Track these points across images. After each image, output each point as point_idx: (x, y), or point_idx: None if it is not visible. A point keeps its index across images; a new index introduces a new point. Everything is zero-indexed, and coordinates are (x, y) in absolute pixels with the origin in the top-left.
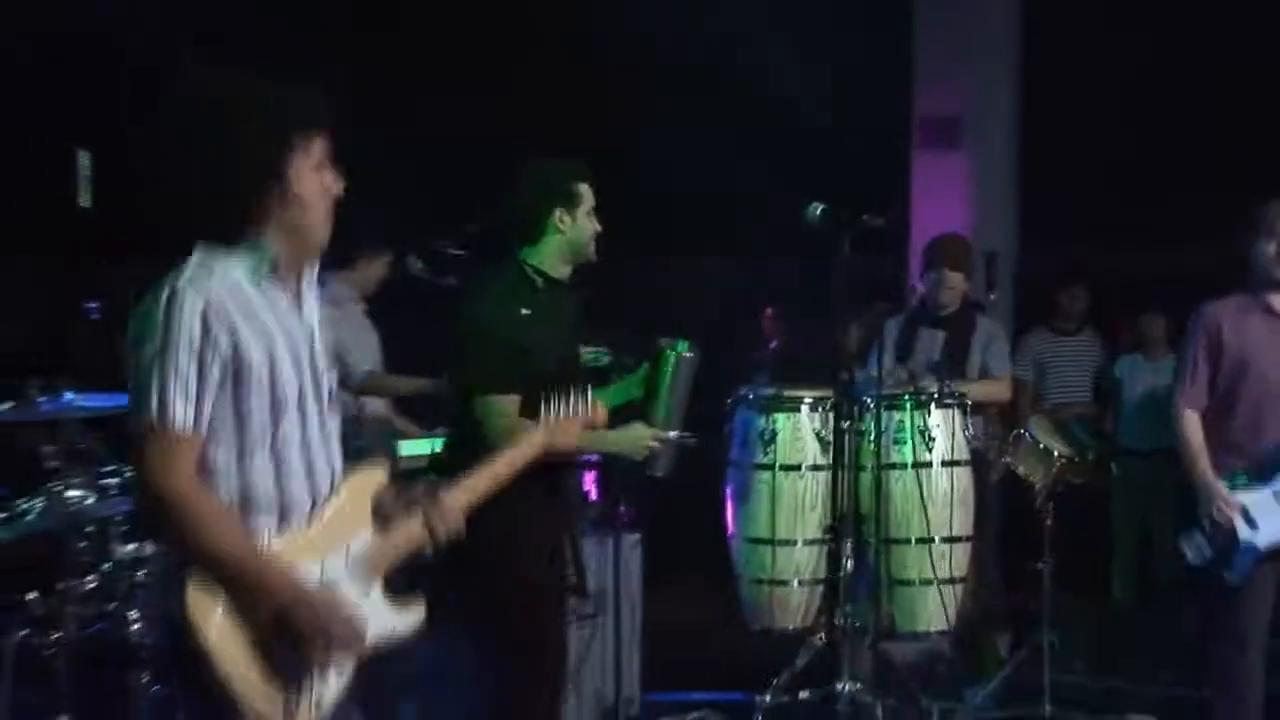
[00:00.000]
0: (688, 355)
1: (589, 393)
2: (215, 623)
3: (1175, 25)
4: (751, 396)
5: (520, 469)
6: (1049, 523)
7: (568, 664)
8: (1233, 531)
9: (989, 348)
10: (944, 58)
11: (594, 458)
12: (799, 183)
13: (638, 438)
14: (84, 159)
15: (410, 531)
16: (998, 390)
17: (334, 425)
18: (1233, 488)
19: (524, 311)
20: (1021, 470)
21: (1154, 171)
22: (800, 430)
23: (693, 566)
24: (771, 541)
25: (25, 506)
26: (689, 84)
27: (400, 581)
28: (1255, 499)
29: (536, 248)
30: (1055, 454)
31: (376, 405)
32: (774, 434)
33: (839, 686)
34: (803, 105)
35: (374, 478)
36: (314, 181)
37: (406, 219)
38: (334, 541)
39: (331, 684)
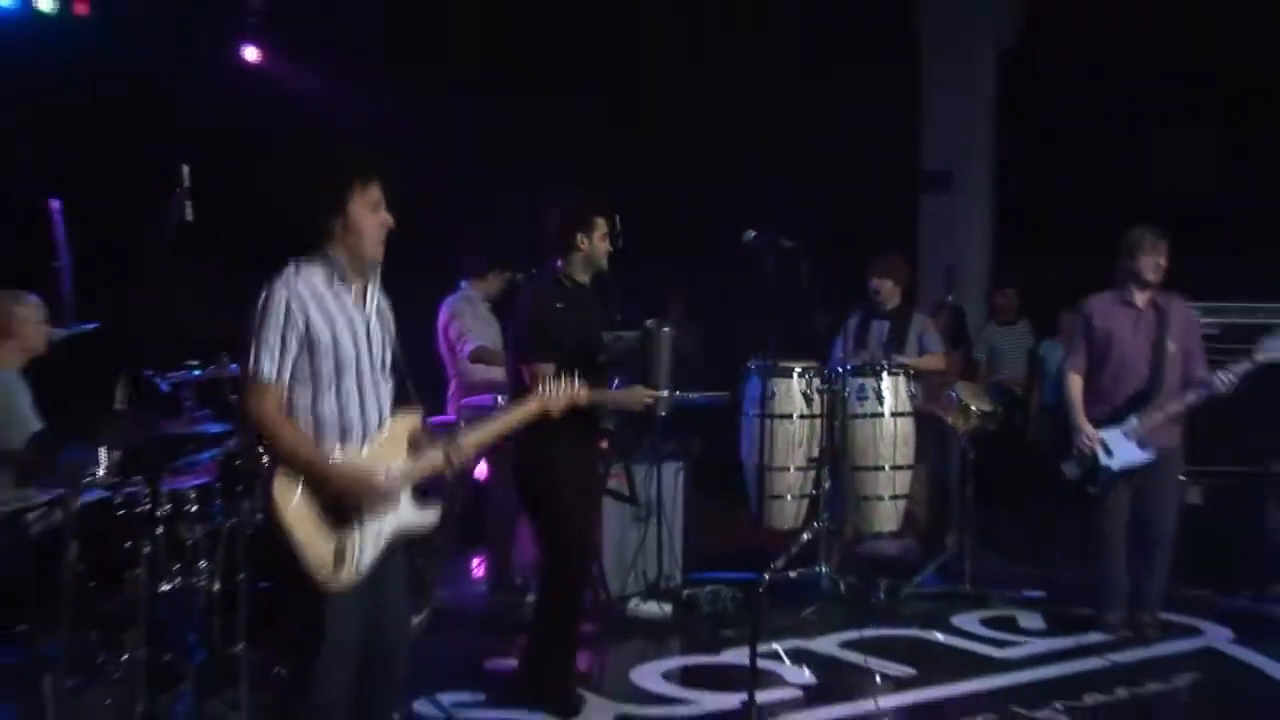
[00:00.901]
0: (665, 331)
1: (577, 378)
2: (290, 505)
3: (1114, 103)
4: (757, 366)
5: (516, 427)
6: (971, 457)
7: (590, 550)
8: (1095, 458)
9: (923, 335)
10: (940, 128)
11: None
12: (839, 219)
13: (636, 396)
14: None
15: (434, 459)
16: (937, 362)
17: (385, 383)
18: (1097, 427)
19: (558, 305)
20: (949, 420)
21: (1093, 206)
22: (791, 390)
23: (721, 485)
24: (773, 468)
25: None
26: (764, 147)
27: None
28: (1111, 435)
29: (566, 260)
30: (973, 409)
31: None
32: (773, 393)
33: (818, 569)
34: (843, 165)
35: (411, 420)
36: (370, 218)
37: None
38: (378, 461)
39: (368, 552)
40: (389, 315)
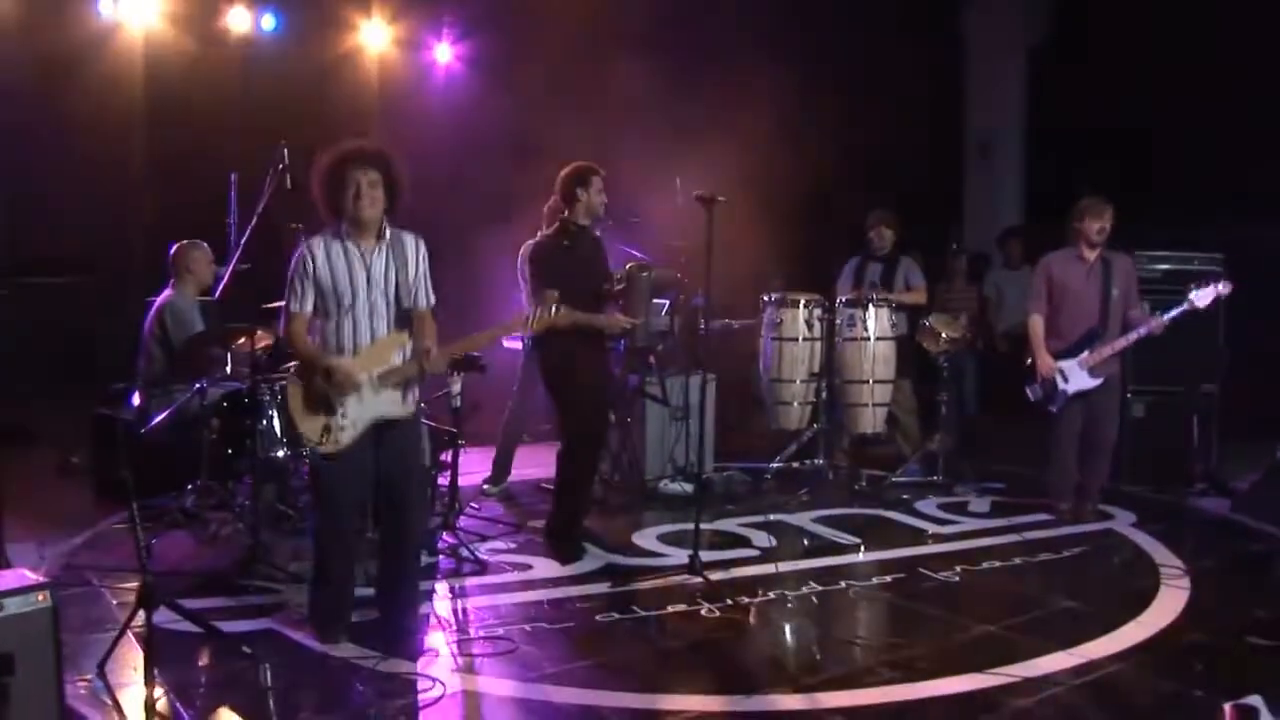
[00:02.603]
0: (644, 274)
1: (558, 306)
2: (293, 390)
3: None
4: (772, 299)
5: (487, 344)
6: (945, 375)
7: (596, 435)
8: (1054, 383)
9: (909, 274)
10: (982, 107)
11: None
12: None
13: (616, 321)
14: None
15: (410, 367)
16: (917, 297)
17: (383, 311)
18: (1055, 359)
19: (565, 244)
20: (925, 344)
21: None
22: (796, 318)
23: (745, 393)
24: (781, 380)
25: None
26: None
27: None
28: (1067, 365)
29: (571, 210)
30: (943, 335)
31: None
32: (783, 320)
33: (816, 460)
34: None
35: (399, 338)
36: (346, 191)
37: None
38: (365, 364)
39: (348, 432)
40: (408, 257)
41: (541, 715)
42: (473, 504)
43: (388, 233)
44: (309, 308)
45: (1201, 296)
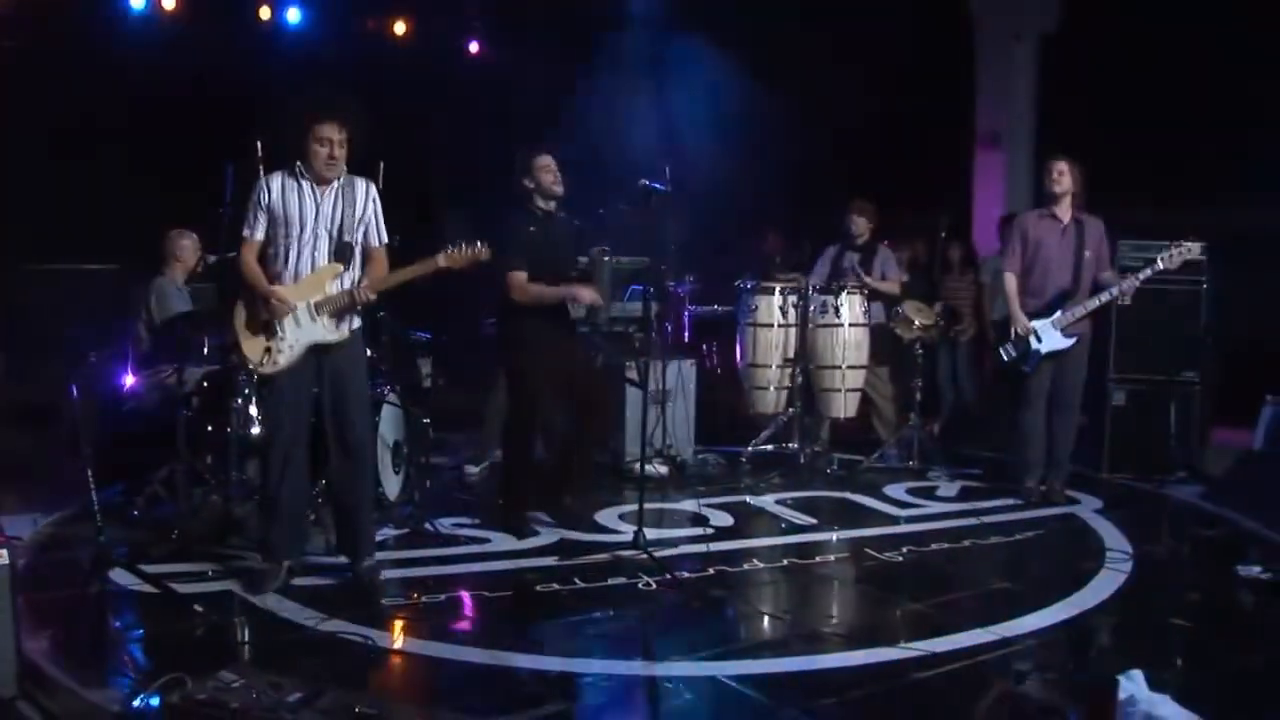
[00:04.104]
0: (605, 258)
1: (484, 244)
2: (239, 313)
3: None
4: (747, 285)
5: (416, 277)
6: (920, 361)
7: (540, 411)
8: (1028, 343)
9: (885, 264)
10: (991, 94)
11: None
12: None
13: (575, 293)
14: None
15: (344, 296)
16: (892, 287)
17: (323, 246)
18: (1030, 319)
19: (531, 229)
20: (898, 331)
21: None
22: (771, 304)
23: (722, 377)
24: (756, 365)
25: None
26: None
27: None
28: (1040, 325)
29: (528, 196)
30: (916, 323)
31: None
32: (757, 306)
33: (790, 444)
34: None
35: (335, 269)
36: (315, 147)
37: None
38: (303, 292)
39: (284, 355)
40: (357, 199)
41: (453, 672)
42: (452, 481)
43: (341, 176)
44: (260, 235)
45: (1169, 258)
